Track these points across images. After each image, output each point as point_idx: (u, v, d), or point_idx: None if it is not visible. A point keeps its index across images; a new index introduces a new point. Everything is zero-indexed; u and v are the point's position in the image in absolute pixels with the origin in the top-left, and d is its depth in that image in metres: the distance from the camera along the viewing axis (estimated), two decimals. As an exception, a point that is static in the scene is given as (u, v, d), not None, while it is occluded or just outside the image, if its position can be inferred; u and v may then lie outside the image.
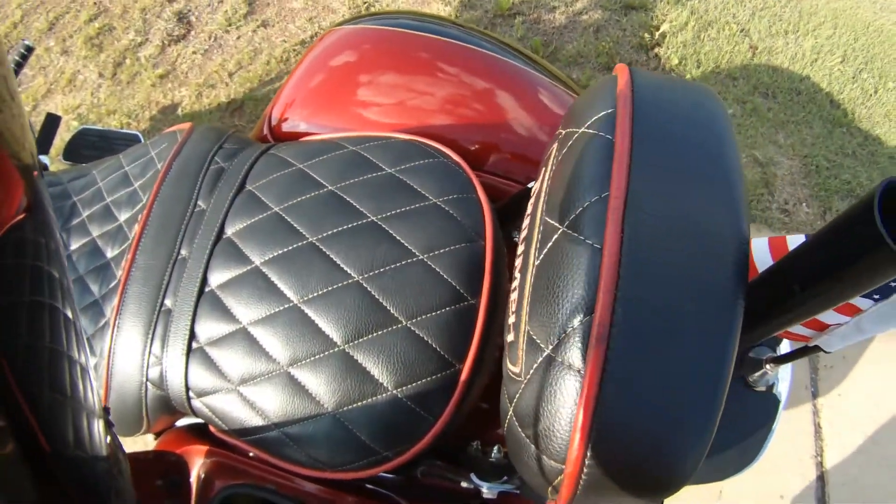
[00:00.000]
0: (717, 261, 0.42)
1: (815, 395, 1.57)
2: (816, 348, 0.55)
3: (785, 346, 0.70)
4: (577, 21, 1.88)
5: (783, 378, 0.70)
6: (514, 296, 0.52)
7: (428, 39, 0.88)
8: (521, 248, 0.55)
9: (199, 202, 0.73)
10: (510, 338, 0.52)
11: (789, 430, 1.51)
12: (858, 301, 0.48)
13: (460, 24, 0.96)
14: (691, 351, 0.40)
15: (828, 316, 0.51)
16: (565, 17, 1.88)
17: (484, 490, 0.60)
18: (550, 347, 0.43)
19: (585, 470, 0.41)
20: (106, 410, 0.41)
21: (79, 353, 0.35)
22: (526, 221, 0.55)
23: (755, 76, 1.98)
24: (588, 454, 0.40)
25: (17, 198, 0.30)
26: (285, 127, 0.88)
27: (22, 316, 0.30)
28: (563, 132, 0.54)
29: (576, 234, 0.45)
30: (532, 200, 0.56)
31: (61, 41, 2.10)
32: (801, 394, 1.58)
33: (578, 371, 0.41)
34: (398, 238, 0.64)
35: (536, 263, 0.48)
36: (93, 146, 1.30)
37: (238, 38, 1.90)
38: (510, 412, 0.48)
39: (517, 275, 0.53)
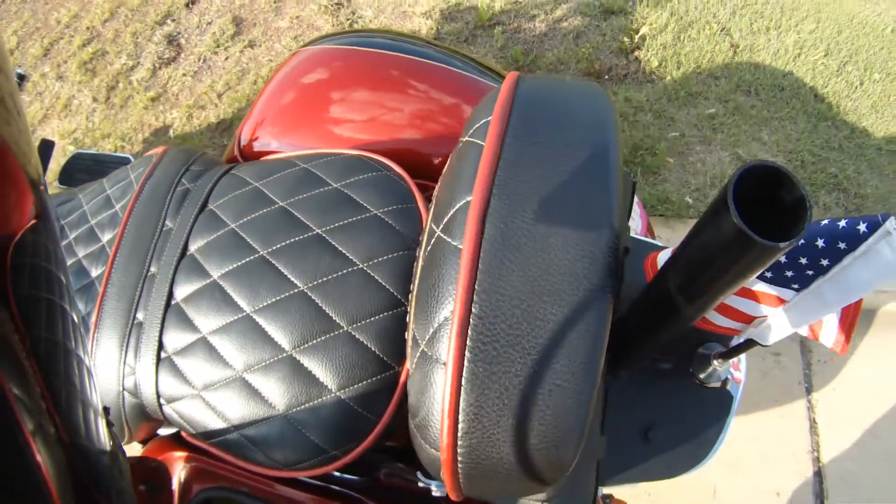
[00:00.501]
0: (581, 254, 0.44)
1: (809, 391, 1.57)
2: (753, 342, 0.56)
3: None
4: (556, 28, 1.90)
5: (739, 373, 0.70)
6: (410, 297, 0.55)
7: (390, 57, 0.90)
8: (417, 254, 0.58)
9: (167, 222, 0.77)
10: (407, 336, 0.54)
11: (784, 426, 1.51)
12: (780, 292, 0.49)
13: (426, 40, 0.98)
14: (553, 339, 0.42)
15: (751, 308, 0.52)
16: (545, 24, 1.90)
17: (433, 488, 0.63)
18: (424, 342, 0.46)
19: (459, 458, 0.43)
20: (106, 411, 0.42)
21: (84, 354, 0.37)
22: (425, 227, 0.58)
23: (737, 74, 1.99)
24: (459, 442, 0.43)
25: (29, 205, 0.32)
26: (255, 146, 0.91)
27: (41, 310, 0.32)
28: (459, 141, 0.57)
29: (446, 237, 0.47)
30: (430, 207, 0.59)
31: (56, 67, 2.15)
32: (794, 390, 1.57)
33: (444, 364, 0.44)
34: (340, 249, 0.67)
35: (420, 265, 0.51)
36: (87, 170, 1.33)
37: (226, 58, 1.94)
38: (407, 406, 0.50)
39: (414, 278, 0.55)
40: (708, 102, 1.88)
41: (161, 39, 2.04)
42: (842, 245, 0.44)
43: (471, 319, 0.43)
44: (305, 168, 0.75)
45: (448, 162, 0.58)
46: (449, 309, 0.45)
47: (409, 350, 0.52)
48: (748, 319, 0.55)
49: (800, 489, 1.43)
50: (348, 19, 1.94)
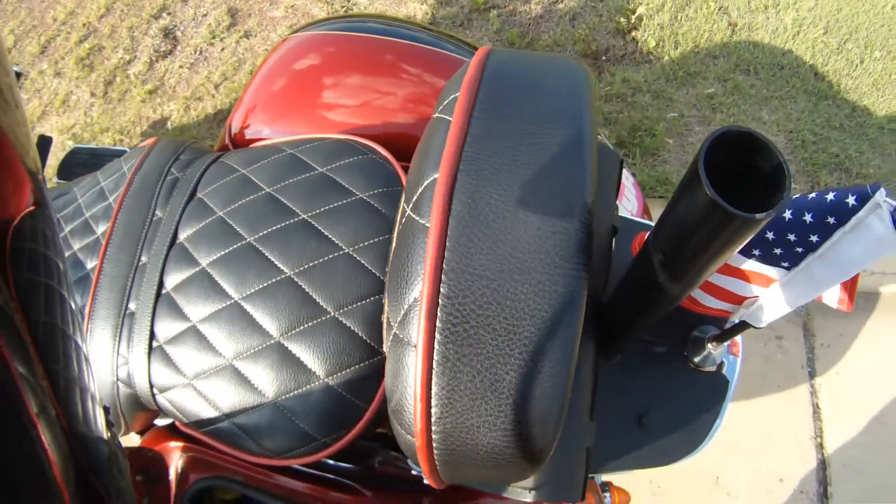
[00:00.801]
0: (551, 231, 0.42)
1: (812, 375, 1.55)
2: (747, 323, 0.54)
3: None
4: (552, 10, 1.88)
5: (734, 358, 0.69)
6: (386, 279, 0.53)
7: (379, 42, 0.89)
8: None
9: (157, 211, 0.76)
10: (382, 319, 0.53)
11: (787, 411, 1.49)
12: (770, 271, 0.47)
13: (417, 24, 0.97)
14: (525, 319, 0.40)
15: (741, 287, 0.50)
16: (541, 6, 1.88)
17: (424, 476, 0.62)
18: (396, 325, 0.45)
19: (434, 444, 0.42)
20: (106, 410, 0.42)
21: (81, 341, 0.37)
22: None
23: (736, 53, 1.97)
24: (432, 427, 0.41)
25: (27, 191, 0.32)
26: (246, 134, 0.91)
27: (40, 294, 0.32)
28: (431, 118, 0.56)
29: (414, 216, 0.46)
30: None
31: (54, 63, 2.15)
32: (798, 374, 1.55)
33: (415, 346, 0.42)
34: (326, 233, 0.66)
35: (393, 245, 0.49)
36: (85, 164, 1.33)
37: (222, 49, 1.93)
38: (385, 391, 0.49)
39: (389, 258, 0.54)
40: (707, 82, 1.86)
41: (157, 33, 2.04)
42: (831, 220, 0.42)
43: (439, 300, 0.41)
44: (292, 153, 0.75)
45: (420, 140, 0.57)
46: (418, 290, 0.43)
47: (384, 333, 0.50)
48: (738, 300, 0.53)
49: (803, 475, 1.41)
50: (343, 7, 1.92)
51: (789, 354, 1.57)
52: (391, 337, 0.46)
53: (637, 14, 1.90)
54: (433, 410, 0.42)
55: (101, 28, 2.16)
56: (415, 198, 0.48)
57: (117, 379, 0.70)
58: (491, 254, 0.42)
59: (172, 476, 0.69)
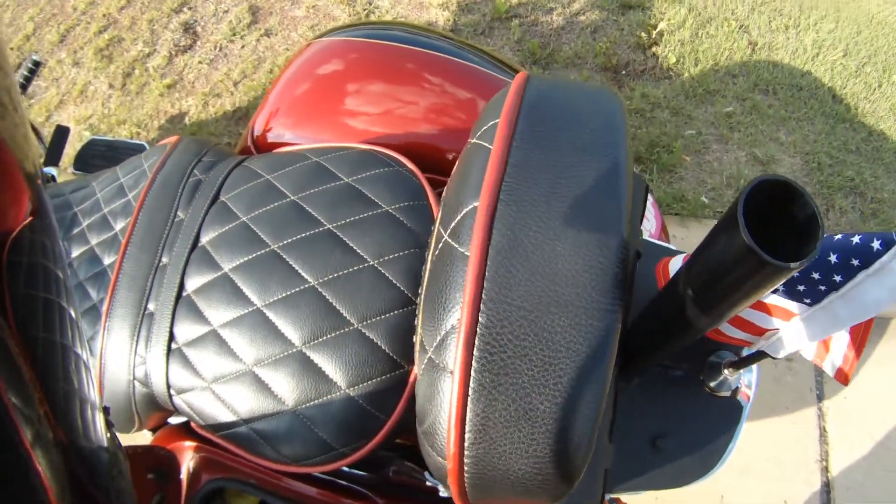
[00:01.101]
0: (589, 265, 0.43)
1: (820, 398, 1.55)
2: (765, 353, 0.55)
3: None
4: (574, 22, 1.88)
5: (749, 384, 0.69)
6: (418, 300, 0.54)
7: (405, 51, 0.90)
8: (426, 255, 0.57)
9: (179, 212, 0.76)
10: (415, 340, 0.53)
11: (794, 434, 1.49)
12: (792, 306, 0.48)
13: (441, 33, 0.97)
14: (561, 351, 0.41)
15: (763, 320, 0.51)
16: (562, 18, 1.88)
17: (440, 489, 0.62)
18: (432, 349, 0.46)
19: (466, 468, 0.43)
20: (106, 410, 0.42)
21: (81, 350, 0.37)
22: (433, 228, 0.57)
23: (755, 73, 1.96)
24: (465, 452, 0.42)
25: (26, 202, 0.31)
26: (268, 138, 0.91)
27: (38, 309, 0.32)
28: (468, 143, 0.56)
29: (453, 243, 0.47)
30: (439, 209, 0.58)
31: (72, 53, 2.15)
32: (806, 396, 1.55)
33: (451, 373, 0.43)
34: (351, 245, 0.66)
35: (428, 269, 0.49)
36: (101, 156, 1.33)
37: (242, 47, 1.93)
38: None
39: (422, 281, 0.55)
40: (725, 100, 1.86)
41: (177, 27, 2.04)
42: (855, 262, 0.43)
43: (478, 329, 0.42)
44: (317, 162, 0.75)
45: (456, 164, 0.57)
46: (456, 317, 0.44)
47: (416, 355, 0.51)
48: (760, 332, 0.54)
49: (807, 497, 1.41)
50: (364, 9, 1.92)
51: (799, 376, 1.57)
52: (426, 361, 0.47)
53: (658, 29, 1.90)
54: (467, 436, 0.42)
55: (121, 20, 2.16)
56: (453, 224, 0.48)
57: (134, 378, 0.70)
58: (529, 285, 0.42)
59: (184, 475, 0.69)
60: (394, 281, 0.63)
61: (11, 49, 2.33)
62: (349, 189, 0.71)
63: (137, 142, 1.34)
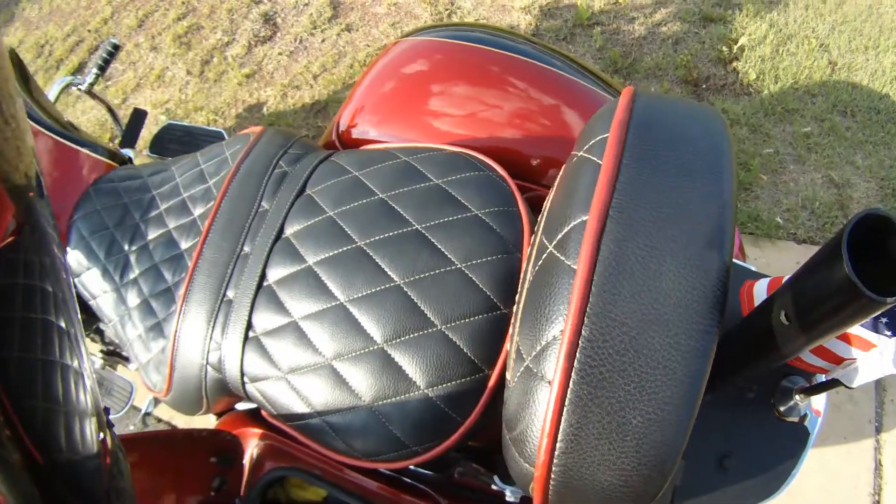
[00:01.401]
0: (691, 287, 0.44)
1: (878, 430, 1.53)
2: (839, 381, 0.55)
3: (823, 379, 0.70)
4: (655, 32, 1.88)
5: (818, 411, 0.70)
6: (515, 308, 0.55)
7: (491, 53, 0.90)
8: (524, 264, 0.59)
9: (263, 203, 0.78)
10: (508, 346, 0.54)
11: (848, 464, 1.47)
12: (872, 337, 0.49)
13: (527, 37, 0.97)
14: (658, 369, 0.43)
15: (842, 349, 0.52)
16: (644, 28, 1.88)
17: (507, 493, 0.64)
18: (530, 358, 0.47)
19: (552, 476, 0.44)
20: (106, 411, 0.41)
21: (72, 359, 0.36)
22: (533, 238, 0.59)
23: (834, 93, 1.95)
24: (554, 461, 0.44)
25: (5, 224, 0.31)
26: (353, 133, 0.92)
27: (14, 331, 0.32)
28: (573, 154, 0.57)
29: (559, 255, 0.48)
30: (539, 218, 0.60)
31: (150, 38, 2.20)
32: (864, 427, 1.53)
33: (549, 382, 0.44)
34: (439, 246, 0.67)
35: (530, 279, 0.51)
36: (178, 141, 1.36)
37: (323, 40, 1.96)
38: (502, 416, 0.51)
39: (521, 289, 0.56)
40: (804, 120, 1.85)
41: (257, 18, 2.08)
42: None
43: (580, 342, 0.43)
44: (406, 161, 0.76)
45: (561, 174, 0.57)
46: (559, 328, 0.45)
47: (511, 362, 0.51)
48: (838, 360, 0.54)
49: (856, 530, 1.40)
50: (447, 9, 1.94)
51: (859, 406, 1.56)
52: (522, 369, 0.48)
53: (739, 44, 1.89)
54: (558, 445, 0.43)
55: (200, 8, 2.21)
56: (559, 236, 0.49)
57: (207, 362, 0.72)
58: (633, 302, 0.43)
59: (247, 461, 0.71)
60: (480, 285, 0.64)
61: (89, 31, 2.40)
62: (438, 190, 0.71)
63: (215, 129, 1.36)
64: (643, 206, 0.47)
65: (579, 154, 0.55)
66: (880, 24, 2.18)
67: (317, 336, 0.66)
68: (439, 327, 0.63)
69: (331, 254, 0.70)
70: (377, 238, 0.69)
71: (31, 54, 2.43)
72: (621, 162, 0.49)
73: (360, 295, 0.66)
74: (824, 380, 0.58)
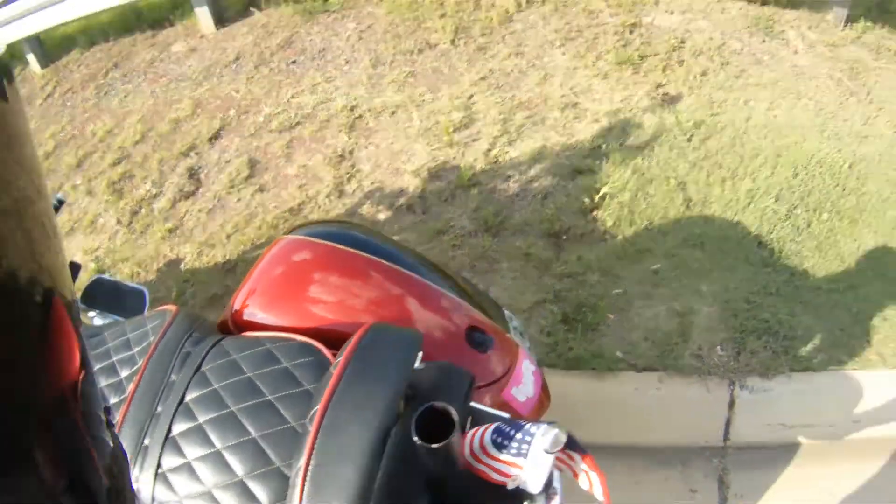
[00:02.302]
0: (360, 433, 0.89)
1: None
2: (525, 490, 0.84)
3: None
4: (528, 189, 2.20)
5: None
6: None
7: (348, 254, 1.29)
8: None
9: (172, 376, 1.13)
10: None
11: None
12: (517, 460, 0.79)
13: (386, 237, 1.36)
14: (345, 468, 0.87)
15: (502, 471, 0.81)
16: (518, 185, 2.21)
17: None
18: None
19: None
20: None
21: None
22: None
23: (687, 228, 2.25)
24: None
25: (78, 352, 0.34)
26: (244, 316, 1.29)
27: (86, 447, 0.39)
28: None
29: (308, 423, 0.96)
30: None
31: (87, 181, 2.50)
32: None
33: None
34: (283, 413, 1.05)
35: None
36: (106, 294, 1.59)
37: (238, 200, 2.28)
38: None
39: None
40: (654, 258, 2.16)
41: (184, 171, 2.39)
42: (510, 436, 0.79)
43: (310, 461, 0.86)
44: (267, 348, 1.14)
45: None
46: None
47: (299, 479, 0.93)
48: (506, 476, 0.81)
49: None
50: (348, 172, 2.26)
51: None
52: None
53: (601, 193, 2.22)
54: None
55: (134, 155, 2.51)
56: (310, 414, 0.95)
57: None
58: (338, 444, 0.90)
59: None
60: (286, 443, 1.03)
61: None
62: (285, 371, 1.09)
63: (139, 287, 1.58)
64: (349, 393, 0.93)
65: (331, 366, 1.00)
66: (742, 154, 2.48)
67: (203, 472, 1.01)
68: (277, 465, 1.00)
69: (215, 415, 1.05)
70: (244, 405, 1.05)
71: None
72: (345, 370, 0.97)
73: (231, 444, 1.02)
74: (511, 488, 0.86)
